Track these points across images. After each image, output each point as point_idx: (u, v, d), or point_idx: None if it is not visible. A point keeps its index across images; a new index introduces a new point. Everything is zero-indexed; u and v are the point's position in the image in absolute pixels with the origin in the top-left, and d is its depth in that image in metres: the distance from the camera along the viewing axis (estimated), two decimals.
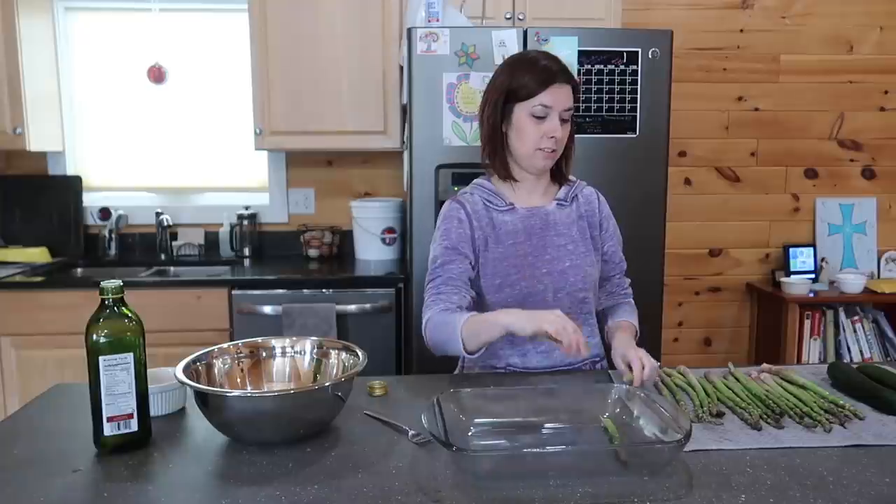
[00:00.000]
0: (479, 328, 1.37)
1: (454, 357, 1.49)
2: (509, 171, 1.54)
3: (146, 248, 3.12)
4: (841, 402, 1.24)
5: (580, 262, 1.53)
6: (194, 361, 1.22)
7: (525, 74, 1.45)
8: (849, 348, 3.09)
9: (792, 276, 3.15)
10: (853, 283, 3.01)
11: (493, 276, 1.50)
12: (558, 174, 1.59)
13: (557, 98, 1.45)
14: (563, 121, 1.47)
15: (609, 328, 1.60)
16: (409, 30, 2.29)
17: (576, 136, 1.58)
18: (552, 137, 1.45)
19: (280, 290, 2.56)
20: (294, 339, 1.34)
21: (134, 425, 1.10)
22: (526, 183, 1.56)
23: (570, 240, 1.54)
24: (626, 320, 1.59)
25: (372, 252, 2.97)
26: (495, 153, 1.53)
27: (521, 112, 1.46)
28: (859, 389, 1.31)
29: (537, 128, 1.45)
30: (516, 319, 1.32)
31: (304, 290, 2.56)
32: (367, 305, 2.56)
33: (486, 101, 1.52)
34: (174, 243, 3.10)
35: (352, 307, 2.55)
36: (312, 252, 3.07)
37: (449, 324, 1.40)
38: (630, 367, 1.36)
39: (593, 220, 1.60)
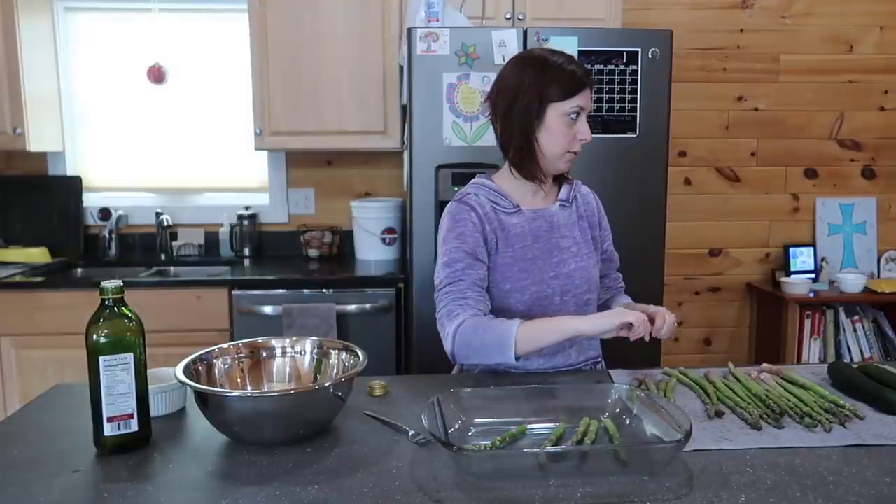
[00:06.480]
0: (538, 333, 1.34)
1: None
2: (538, 174, 1.50)
3: (146, 249, 3.13)
4: (841, 401, 1.24)
5: (584, 264, 1.53)
6: (194, 361, 1.22)
7: (560, 75, 1.41)
8: (849, 348, 3.09)
9: (792, 276, 3.15)
10: (853, 282, 3.01)
11: (502, 281, 1.47)
12: (560, 175, 1.57)
13: (587, 100, 1.45)
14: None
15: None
16: (409, 30, 2.29)
17: None
18: (581, 140, 1.45)
19: (280, 291, 2.56)
20: (294, 339, 1.34)
21: (134, 425, 1.10)
22: (532, 184, 1.53)
23: (573, 241, 1.53)
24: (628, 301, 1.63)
25: (372, 252, 2.97)
26: (531, 155, 1.47)
27: (555, 113, 1.42)
28: (859, 389, 1.31)
29: (570, 130, 1.44)
30: (587, 322, 1.34)
31: (304, 291, 2.57)
32: (367, 305, 2.56)
33: (512, 102, 1.44)
34: (174, 243, 3.10)
35: (352, 307, 2.55)
36: (312, 252, 3.07)
37: (497, 329, 1.35)
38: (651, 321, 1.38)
39: (593, 220, 1.60)
